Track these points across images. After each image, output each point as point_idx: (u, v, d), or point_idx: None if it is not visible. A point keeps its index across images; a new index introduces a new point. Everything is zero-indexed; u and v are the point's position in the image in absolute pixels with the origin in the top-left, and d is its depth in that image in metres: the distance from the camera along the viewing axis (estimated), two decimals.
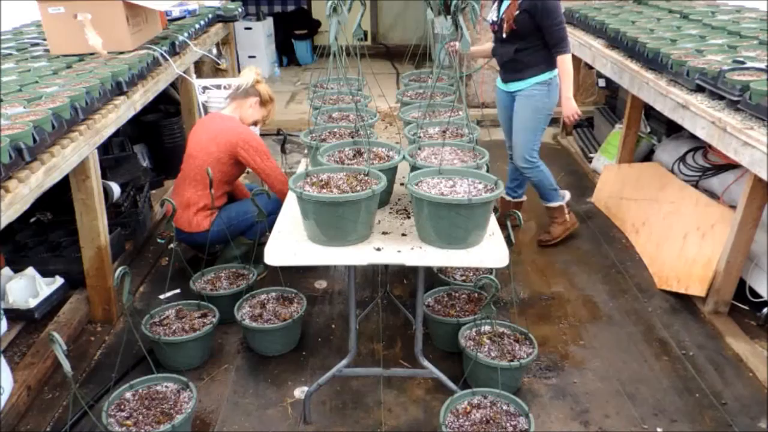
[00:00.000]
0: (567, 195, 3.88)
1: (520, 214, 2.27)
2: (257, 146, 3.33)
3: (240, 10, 5.35)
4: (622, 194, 4.19)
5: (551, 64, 3.49)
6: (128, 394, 2.43)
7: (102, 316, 3.14)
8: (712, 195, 3.61)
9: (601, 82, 5.28)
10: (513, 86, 3.61)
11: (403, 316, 3.11)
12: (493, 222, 2.27)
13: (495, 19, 3.60)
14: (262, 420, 2.56)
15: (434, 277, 3.25)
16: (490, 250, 2.13)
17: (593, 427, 2.50)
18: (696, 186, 3.71)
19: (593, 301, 3.34)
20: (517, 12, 3.41)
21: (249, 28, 7.59)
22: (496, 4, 3.62)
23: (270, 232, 2.29)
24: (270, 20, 8.04)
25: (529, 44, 3.46)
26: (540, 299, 3.35)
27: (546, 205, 3.86)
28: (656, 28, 4.11)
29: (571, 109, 3.53)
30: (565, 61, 3.45)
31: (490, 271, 3.06)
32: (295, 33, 8.43)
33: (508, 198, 4.06)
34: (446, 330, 2.87)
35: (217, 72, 5.12)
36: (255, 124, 3.56)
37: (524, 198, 4.10)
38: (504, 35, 3.51)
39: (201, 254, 3.42)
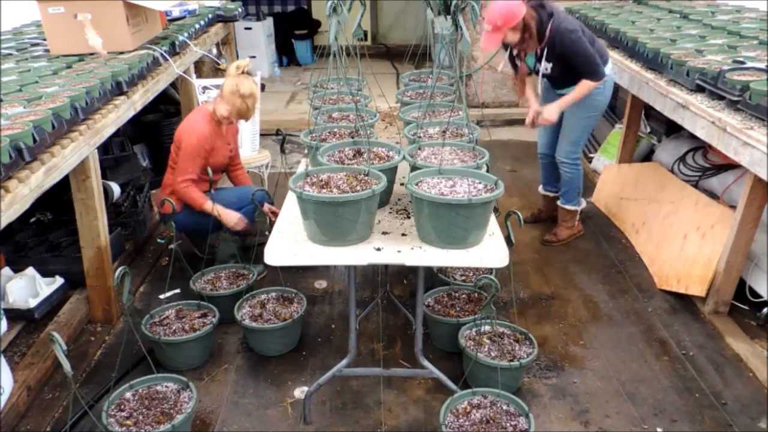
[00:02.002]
0: (584, 203, 3.91)
1: (519, 214, 2.27)
2: (187, 144, 3.28)
3: (240, 10, 5.35)
4: (622, 194, 4.19)
5: (605, 60, 3.50)
6: (128, 394, 2.43)
7: (102, 316, 3.14)
8: (712, 195, 3.61)
9: None
10: (567, 90, 3.60)
11: (403, 316, 3.11)
12: (493, 222, 2.27)
13: (528, 68, 3.69)
14: (262, 420, 2.56)
15: (434, 277, 3.24)
16: (490, 250, 2.13)
17: (593, 427, 2.50)
18: (696, 186, 3.71)
19: (593, 301, 3.34)
20: (551, 65, 3.49)
21: (249, 28, 7.59)
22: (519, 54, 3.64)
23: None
24: (270, 20, 8.03)
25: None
26: (540, 299, 3.35)
27: (562, 206, 3.88)
28: (656, 28, 4.11)
29: (550, 114, 3.53)
30: (586, 84, 3.45)
31: (490, 271, 3.06)
32: (295, 33, 8.42)
33: (551, 194, 4.05)
34: (446, 330, 2.87)
35: (217, 72, 5.12)
36: (228, 120, 3.40)
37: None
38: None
39: (200, 252, 3.42)
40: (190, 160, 3.28)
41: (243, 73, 3.32)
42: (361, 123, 2.62)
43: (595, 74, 3.43)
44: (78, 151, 2.68)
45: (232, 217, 3.32)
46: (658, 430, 2.49)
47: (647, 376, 2.77)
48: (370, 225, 2.20)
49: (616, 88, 5.18)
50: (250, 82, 3.31)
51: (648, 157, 4.47)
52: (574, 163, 3.74)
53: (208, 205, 3.26)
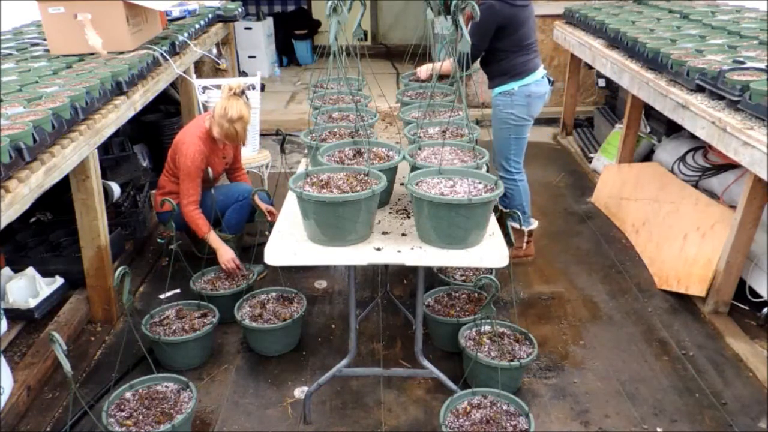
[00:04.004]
0: (533, 225, 3.70)
1: (520, 214, 2.27)
2: (183, 166, 3.25)
3: (240, 10, 5.35)
4: (622, 194, 4.19)
5: (515, 75, 3.38)
6: (128, 394, 2.43)
7: (102, 316, 3.14)
8: (712, 195, 3.61)
9: (601, 82, 5.28)
10: (493, 90, 3.53)
11: (403, 316, 3.11)
12: (493, 222, 2.27)
13: None
14: (262, 420, 2.56)
15: (434, 277, 3.24)
16: (490, 250, 2.13)
17: (593, 427, 2.50)
18: (696, 186, 3.71)
19: (593, 301, 3.34)
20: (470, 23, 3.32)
21: (249, 28, 7.59)
22: None
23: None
24: (270, 20, 8.04)
25: (490, 55, 3.39)
26: (540, 299, 3.35)
27: (509, 223, 3.71)
28: (656, 28, 4.11)
29: (422, 70, 3.41)
30: (450, 66, 3.18)
31: (490, 271, 3.06)
32: (295, 33, 8.43)
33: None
34: (446, 330, 2.87)
35: (217, 72, 5.12)
36: (222, 142, 3.37)
37: None
38: None
39: (198, 252, 3.43)
40: (189, 182, 3.26)
41: (235, 95, 3.20)
42: (361, 123, 2.62)
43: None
44: (78, 151, 2.68)
45: (227, 253, 3.25)
46: (658, 430, 2.49)
47: (647, 376, 2.77)
48: (370, 225, 2.20)
49: (616, 88, 5.20)
50: (240, 105, 3.18)
51: (648, 157, 4.47)
52: (507, 177, 3.52)
53: (210, 236, 3.27)
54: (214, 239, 3.26)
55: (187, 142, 3.28)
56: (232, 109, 3.17)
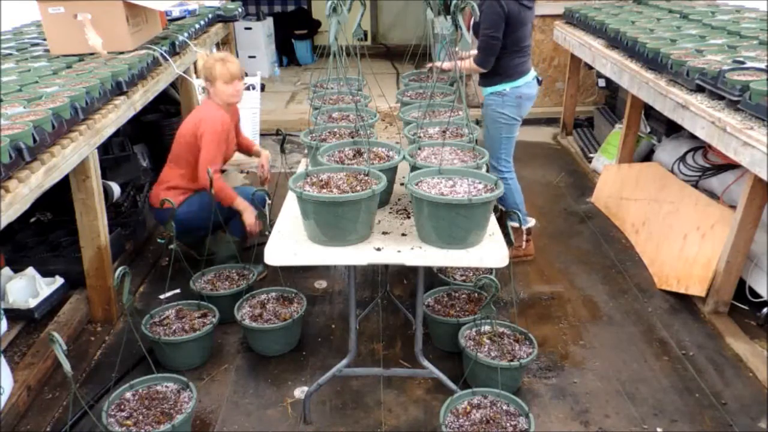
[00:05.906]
0: (531, 222, 3.70)
1: (520, 214, 2.27)
2: (212, 132, 3.25)
3: (240, 10, 5.35)
4: (622, 194, 4.20)
5: (507, 76, 3.40)
6: (128, 394, 2.43)
7: (102, 316, 3.14)
8: (712, 195, 3.61)
9: (601, 82, 5.29)
10: (486, 89, 3.54)
11: (403, 316, 3.11)
12: (493, 222, 2.27)
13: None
14: (262, 420, 2.56)
15: (434, 277, 3.25)
16: (490, 250, 2.13)
17: (593, 427, 2.50)
18: (696, 186, 3.71)
19: (593, 301, 3.34)
20: (472, 22, 3.40)
21: (249, 28, 7.59)
22: None
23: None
24: (270, 20, 8.03)
25: None
26: (540, 299, 3.35)
27: (509, 223, 3.70)
28: (656, 28, 4.11)
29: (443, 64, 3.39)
30: (471, 64, 3.35)
31: (490, 271, 3.06)
32: (295, 33, 8.42)
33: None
34: (446, 330, 2.87)
35: None
36: (232, 97, 3.37)
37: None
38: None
39: (198, 255, 3.43)
40: (217, 148, 3.26)
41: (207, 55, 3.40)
42: (361, 123, 2.62)
43: (480, 59, 3.32)
44: (78, 151, 2.68)
45: (252, 216, 3.31)
46: (658, 430, 2.49)
47: (647, 376, 2.77)
48: (370, 225, 2.20)
49: (616, 88, 5.20)
50: (215, 53, 3.40)
51: (648, 157, 4.47)
52: (498, 176, 3.51)
53: (239, 201, 3.28)
54: (241, 202, 3.30)
55: (210, 113, 3.30)
56: (211, 56, 3.33)
